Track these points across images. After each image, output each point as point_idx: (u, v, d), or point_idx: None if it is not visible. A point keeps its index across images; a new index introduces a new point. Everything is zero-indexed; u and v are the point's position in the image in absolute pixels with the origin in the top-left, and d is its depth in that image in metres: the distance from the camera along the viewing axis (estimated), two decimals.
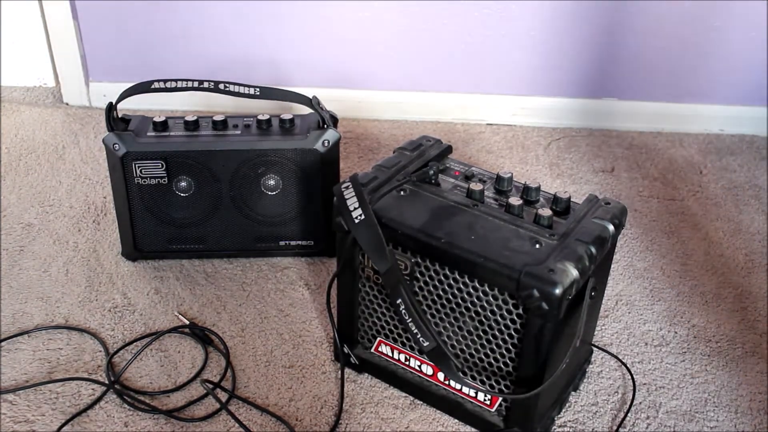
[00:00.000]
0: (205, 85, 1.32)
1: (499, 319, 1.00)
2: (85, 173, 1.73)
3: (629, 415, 1.16)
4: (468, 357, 1.07)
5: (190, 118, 1.36)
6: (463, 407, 1.12)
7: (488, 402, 1.09)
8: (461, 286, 1.01)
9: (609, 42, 1.93)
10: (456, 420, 1.14)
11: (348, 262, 1.10)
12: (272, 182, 1.37)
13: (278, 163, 1.35)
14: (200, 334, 1.27)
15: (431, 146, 1.20)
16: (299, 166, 1.36)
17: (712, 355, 1.29)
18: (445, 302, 1.04)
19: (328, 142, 1.34)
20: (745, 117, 2.03)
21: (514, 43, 1.94)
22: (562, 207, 1.06)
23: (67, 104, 2.05)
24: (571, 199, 1.07)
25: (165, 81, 1.32)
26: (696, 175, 1.84)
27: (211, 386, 1.16)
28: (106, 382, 1.17)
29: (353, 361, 1.20)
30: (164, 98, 1.99)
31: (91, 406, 1.13)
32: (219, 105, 1.91)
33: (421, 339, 1.01)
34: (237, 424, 1.10)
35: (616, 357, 1.26)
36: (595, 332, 1.29)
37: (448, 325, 1.06)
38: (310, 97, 1.36)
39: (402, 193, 1.09)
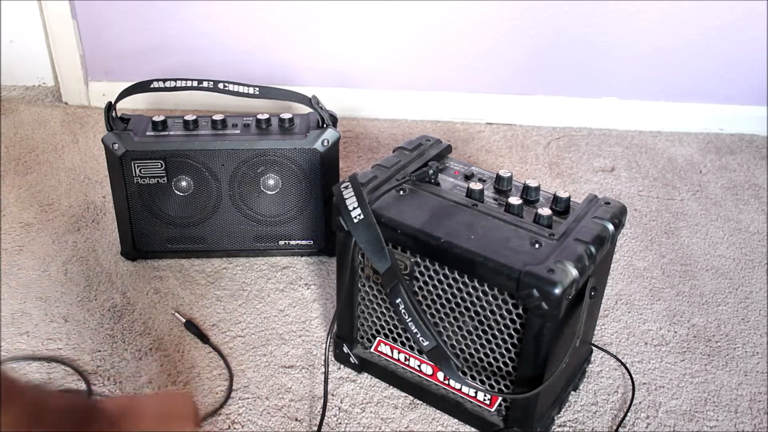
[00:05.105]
0: (205, 84, 1.32)
1: (498, 318, 1.00)
2: (85, 173, 1.72)
3: (629, 414, 1.16)
4: (468, 357, 1.07)
5: (189, 117, 1.36)
6: (462, 407, 1.11)
7: (488, 402, 1.09)
8: (461, 285, 1.01)
9: (609, 42, 1.93)
10: (456, 420, 1.14)
11: (348, 262, 1.10)
12: (272, 182, 1.37)
13: (278, 162, 1.35)
14: (198, 334, 1.27)
15: (431, 146, 1.20)
16: (299, 165, 1.35)
17: (712, 355, 1.29)
18: (444, 302, 1.04)
19: (328, 142, 1.34)
20: (744, 116, 2.03)
21: (514, 43, 1.94)
22: (561, 206, 1.06)
23: (66, 103, 2.04)
24: (571, 199, 1.07)
25: (164, 80, 1.32)
26: (696, 175, 1.84)
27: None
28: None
29: (353, 361, 1.20)
30: (163, 98, 2.00)
31: None
32: (218, 105, 1.90)
33: (420, 339, 1.00)
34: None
35: (615, 357, 1.26)
36: (595, 332, 1.29)
37: (447, 325, 1.06)
38: (310, 97, 1.36)
39: (401, 192, 1.09)
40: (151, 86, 1.32)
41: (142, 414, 0.75)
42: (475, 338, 1.04)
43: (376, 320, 1.15)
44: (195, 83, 1.32)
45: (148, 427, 0.73)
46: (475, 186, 1.07)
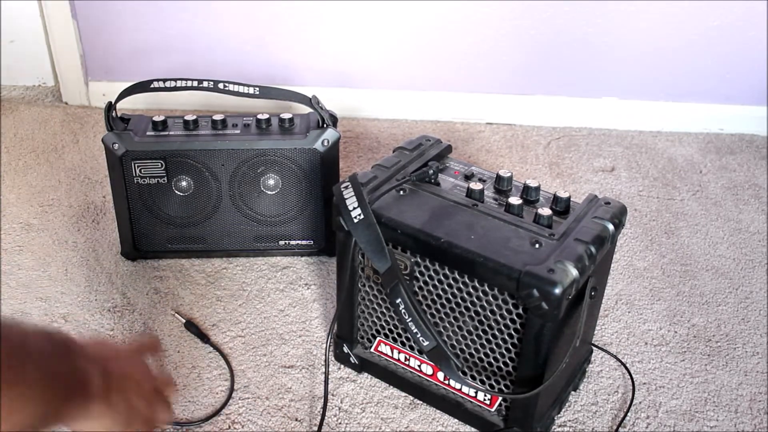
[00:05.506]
0: (205, 84, 1.32)
1: (498, 318, 1.00)
2: (85, 172, 1.72)
3: (629, 414, 1.16)
4: (468, 357, 1.07)
5: (189, 117, 1.36)
6: (463, 407, 1.11)
7: (488, 402, 1.09)
8: (461, 285, 1.01)
9: (609, 42, 1.93)
10: (456, 420, 1.14)
11: (348, 262, 1.10)
12: (272, 182, 1.37)
13: (278, 162, 1.35)
14: (198, 333, 1.27)
15: (431, 145, 1.20)
16: (299, 165, 1.35)
17: (712, 355, 1.29)
18: (444, 302, 1.04)
19: (328, 142, 1.34)
20: (744, 116, 2.03)
21: (514, 43, 1.94)
22: (561, 206, 1.06)
23: (66, 103, 2.04)
24: (571, 199, 1.07)
25: (164, 80, 1.32)
26: (696, 175, 1.84)
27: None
28: None
29: (353, 361, 1.20)
30: (164, 98, 2.00)
31: None
32: (218, 105, 1.90)
33: (421, 338, 1.00)
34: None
35: (615, 357, 1.26)
36: (595, 332, 1.29)
37: (447, 325, 1.06)
38: (310, 97, 1.36)
39: (402, 192, 1.09)
40: (151, 86, 1.32)
41: (115, 349, 0.78)
42: (475, 338, 1.04)
43: (376, 320, 1.15)
44: (195, 83, 1.32)
45: (122, 361, 0.75)
46: (475, 186, 1.07)
